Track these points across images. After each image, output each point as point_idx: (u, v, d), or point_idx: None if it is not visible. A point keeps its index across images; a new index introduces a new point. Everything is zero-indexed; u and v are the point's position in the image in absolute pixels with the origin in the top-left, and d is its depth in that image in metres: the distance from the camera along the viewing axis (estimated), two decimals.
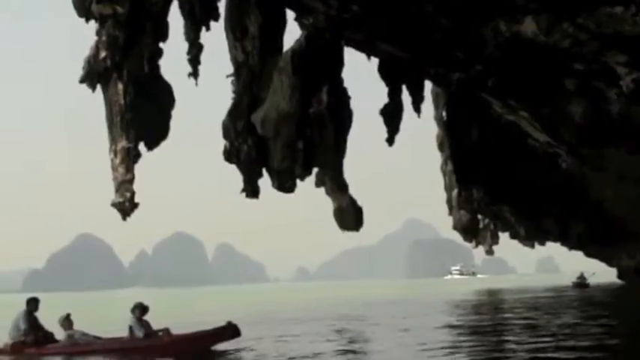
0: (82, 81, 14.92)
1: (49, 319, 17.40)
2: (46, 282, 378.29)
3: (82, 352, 15.47)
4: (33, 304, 16.65)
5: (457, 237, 46.58)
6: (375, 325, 23.05)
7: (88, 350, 15.56)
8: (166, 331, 16.15)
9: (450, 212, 41.86)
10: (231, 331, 16.00)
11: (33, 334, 16.18)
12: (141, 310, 16.09)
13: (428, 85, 23.27)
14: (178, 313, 41.52)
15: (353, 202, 19.48)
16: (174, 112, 16.04)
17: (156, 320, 17.18)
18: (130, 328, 16.01)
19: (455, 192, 38.04)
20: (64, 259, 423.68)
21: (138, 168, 15.24)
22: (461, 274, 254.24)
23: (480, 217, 43.07)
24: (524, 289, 63.29)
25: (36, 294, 21.18)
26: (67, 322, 16.52)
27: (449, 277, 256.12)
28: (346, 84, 18.24)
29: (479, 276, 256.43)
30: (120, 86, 14.75)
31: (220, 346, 16.08)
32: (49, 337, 16.41)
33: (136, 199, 14.89)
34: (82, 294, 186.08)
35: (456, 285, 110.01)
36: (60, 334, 16.56)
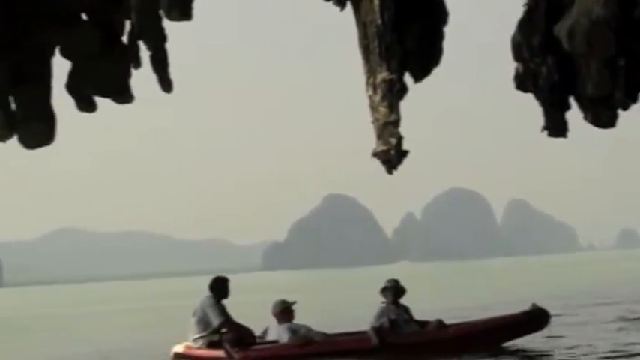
0: None
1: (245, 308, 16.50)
2: (288, 257, 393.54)
3: (319, 353, 14.01)
4: (221, 287, 14.47)
5: None
6: None
7: (329, 351, 14.06)
8: (437, 323, 14.69)
9: None
10: (537, 318, 14.65)
11: (232, 330, 14.22)
12: (395, 291, 14.66)
13: None
14: (457, 293, 41.93)
15: None
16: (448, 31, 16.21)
17: (422, 305, 16.14)
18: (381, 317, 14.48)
19: None
20: (310, 228, 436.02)
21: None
22: None
23: None
24: None
25: (277, 272, 21.14)
26: (285, 312, 14.51)
27: None
28: None
29: None
30: (376, 1, 15.19)
31: (520, 340, 15.02)
32: (251, 335, 14.46)
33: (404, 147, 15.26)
34: (330, 272, 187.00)
35: None
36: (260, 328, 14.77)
